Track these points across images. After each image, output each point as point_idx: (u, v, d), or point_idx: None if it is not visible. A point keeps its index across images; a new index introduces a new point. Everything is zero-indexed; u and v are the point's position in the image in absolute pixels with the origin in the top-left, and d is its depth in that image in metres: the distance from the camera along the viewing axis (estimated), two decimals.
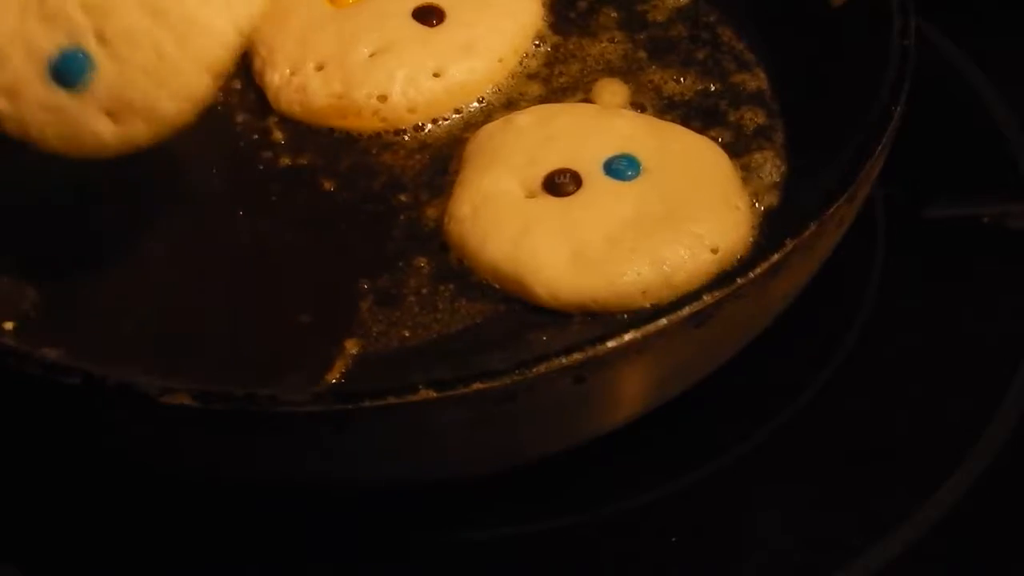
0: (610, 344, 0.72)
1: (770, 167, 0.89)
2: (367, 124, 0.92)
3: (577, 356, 0.72)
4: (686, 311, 0.73)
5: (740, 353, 0.81)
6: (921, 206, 0.94)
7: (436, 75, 0.92)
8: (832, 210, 0.77)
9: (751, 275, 0.74)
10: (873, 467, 0.84)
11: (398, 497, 0.82)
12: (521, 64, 0.95)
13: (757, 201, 0.87)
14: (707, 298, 0.74)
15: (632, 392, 0.77)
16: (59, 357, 0.76)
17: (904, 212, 0.93)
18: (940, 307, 0.91)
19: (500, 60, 0.94)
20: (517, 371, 0.71)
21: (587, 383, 0.73)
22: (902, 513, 0.82)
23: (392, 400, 0.71)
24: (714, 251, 0.83)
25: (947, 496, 0.82)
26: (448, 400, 0.71)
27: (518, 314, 0.84)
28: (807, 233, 0.76)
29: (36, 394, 0.74)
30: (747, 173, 0.89)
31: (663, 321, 0.73)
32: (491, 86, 0.93)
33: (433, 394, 0.71)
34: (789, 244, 0.75)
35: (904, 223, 0.94)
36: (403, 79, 0.92)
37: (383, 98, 0.91)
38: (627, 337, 0.72)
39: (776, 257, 0.75)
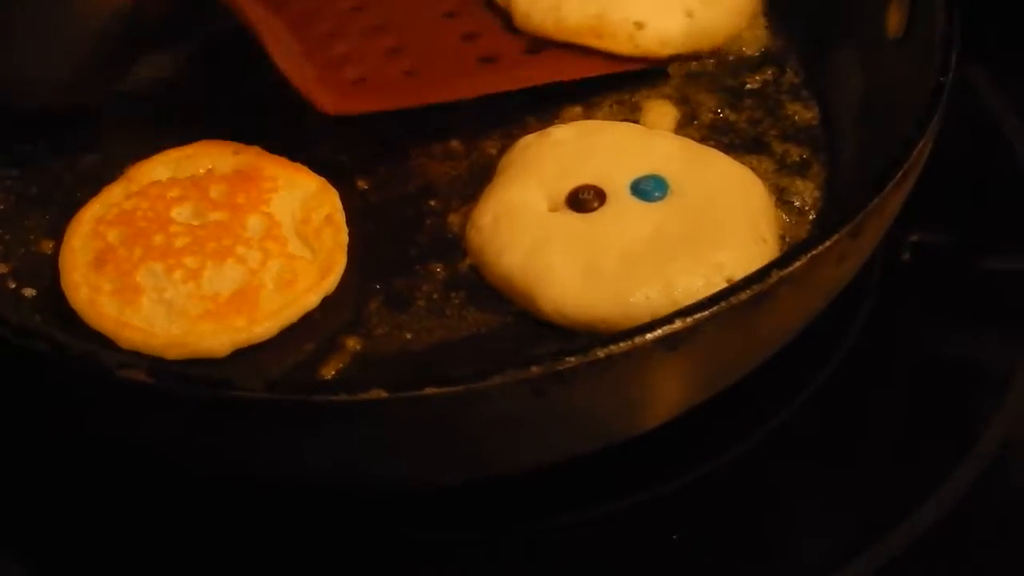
0: (572, 360, 0.70)
1: (806, 201, 0.86)
2: (622, 47, 0.92)
3: (536, 370, 0.70)
4: (656, 333, 0.71)
5: None
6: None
7: (688, 15, 0.93)
8: (825, 246, 0.73)
9: (728, 302, 0.72)
10: (872, 466, 0.83)
11: (389, 496, 0.82)
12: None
13: (787, 235, 0.84)
14: (679, 323, 0.71)
15: (608, 413, 0.75)
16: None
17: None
18: (939, 309, 0.90)
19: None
20: (472, 379, 0.70)
21: (548, 397, 0.71)
22: (902, 512, 0.81)
23: (343, 397, 0.70)
24: (729, 281, 0.80)
25: (946, 496, 0.81)
26: (400, 402, 0.70)
27: (525, 328, 0.82)
28: (796, 266, 0.73)
29: (9, 360, 0.75)
30: (782, 206, 0.86)
31: (630, 342, 0.71)
32: (728, 37, 0.94)
33: (384, 395, 0.70)
34: (774, 275, 0.72)
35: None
36: (659, 10, 0.92)
37: (640, 25, 0.92)
38: (590, 355, 0.70)
39: (758, 288, 0.72)
